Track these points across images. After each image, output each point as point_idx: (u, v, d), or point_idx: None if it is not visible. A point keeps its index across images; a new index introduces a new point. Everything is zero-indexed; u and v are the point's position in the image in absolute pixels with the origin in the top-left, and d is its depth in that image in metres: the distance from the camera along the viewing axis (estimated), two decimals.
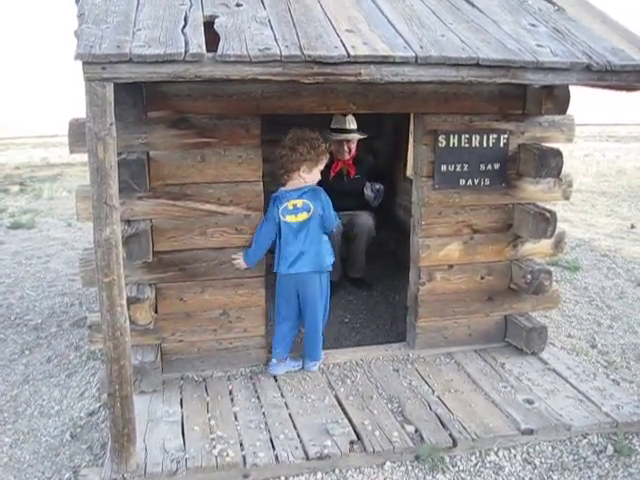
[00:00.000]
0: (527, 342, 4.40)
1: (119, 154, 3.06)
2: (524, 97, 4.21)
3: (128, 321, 2.98)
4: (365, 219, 5.74)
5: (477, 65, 3.00)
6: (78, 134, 3.39)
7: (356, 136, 5.77)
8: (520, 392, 3.94)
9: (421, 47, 2.99)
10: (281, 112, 3.90)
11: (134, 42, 2.68)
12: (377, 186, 5.84)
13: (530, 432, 3.54)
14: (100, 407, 3.98)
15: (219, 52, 2.70)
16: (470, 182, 4.25)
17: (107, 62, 2.57)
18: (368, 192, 5.82)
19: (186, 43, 2.72)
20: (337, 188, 5.13)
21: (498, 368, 4.26)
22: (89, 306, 5.84)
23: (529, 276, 4.24)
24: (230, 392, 3.94)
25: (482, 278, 4.46)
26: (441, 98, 4.06)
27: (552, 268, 4.46)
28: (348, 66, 2.85)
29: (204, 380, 4.07)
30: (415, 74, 2.96)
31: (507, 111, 4.25)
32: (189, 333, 4.08)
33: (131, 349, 3.06)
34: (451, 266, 4.39)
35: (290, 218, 4.00)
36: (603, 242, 8.60)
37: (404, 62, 2.90)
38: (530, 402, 3.82)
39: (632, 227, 9.59)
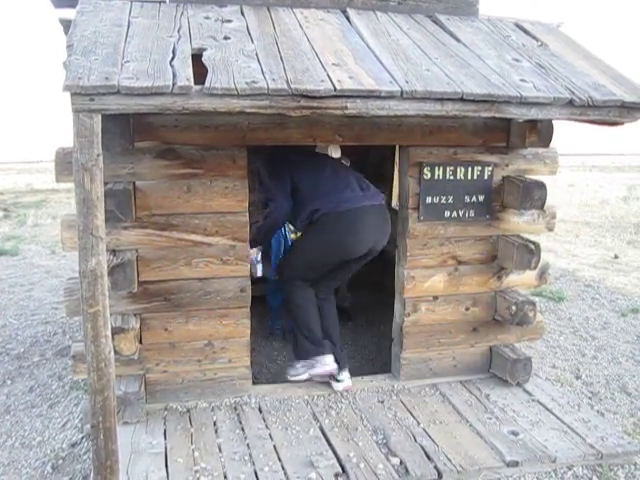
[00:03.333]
0: (512, 373, 4.40)
1: (105, 184, 3.06)
2: (508, 130, 4.26)
3: (113, 352, 2.96)
4: None
5: (461, 99, 3.03)
6: (65, 163, 3.40)
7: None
8: (505, 424, 3.94)
9: (406, 81, 3.02)
10: (268, 143, 3.93)
11: (122, 74, 2.69)
12: None
13: (515, 464, 3.53)
14: (82, 438, 3.93)
15: (207, 85, 2.72)
16: (455, 214, 4.28)
17: (95, 94, 2.57)
18: None
19: (174, 76, 2.73)
20: None
21: (483, 399, 4.26)
22: (72, 335, 5.80)
23: (513, 307, 4.26)
24: (214, 423, 3.90)
25: (467, 309, 4.47)
26: (426, 130, 4.10)
27: (536, 299, 4.50)
28: (334, 100, 2.87)
29: (188, 411, 4.04)
30: (401, 108, 2.98)
31: (491, 144, 4.29)
32: (173, 363, 4.05)
33: (115, 379, 3.03)
34: (436, 297, 4.40)
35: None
36: (587, 272, 8.67)
37: (390, 96, 2.93)
38: (515, 434, 3.81)
39: (615, 257, 9.67)
